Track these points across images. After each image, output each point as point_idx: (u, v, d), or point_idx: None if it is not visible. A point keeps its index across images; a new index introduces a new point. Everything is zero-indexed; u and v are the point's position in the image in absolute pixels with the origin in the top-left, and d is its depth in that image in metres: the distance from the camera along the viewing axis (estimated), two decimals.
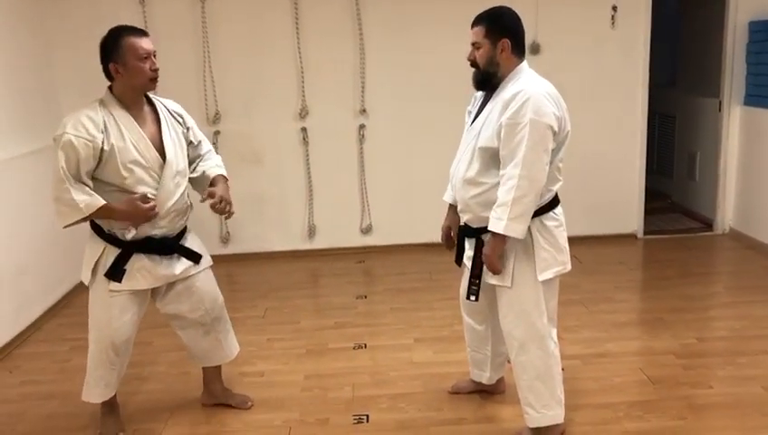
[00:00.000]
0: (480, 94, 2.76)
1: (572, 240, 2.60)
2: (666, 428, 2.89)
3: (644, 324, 4.01)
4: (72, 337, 4.09)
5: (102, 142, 2.61)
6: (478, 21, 2.59)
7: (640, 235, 5.62)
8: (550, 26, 5.15)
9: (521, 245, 2.58)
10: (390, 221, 5.49)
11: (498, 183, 2.52)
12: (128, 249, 2.75)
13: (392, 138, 5.36)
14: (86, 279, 2.81)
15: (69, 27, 5.05)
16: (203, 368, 3.21)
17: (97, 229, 2.78)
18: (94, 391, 2.94)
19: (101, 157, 2.62)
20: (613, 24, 5.28)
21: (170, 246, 2.85)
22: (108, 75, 2.72)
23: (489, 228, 2.52)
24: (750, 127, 5.35)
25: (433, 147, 5.36)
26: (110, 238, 2.76)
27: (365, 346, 3.78)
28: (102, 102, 2.73)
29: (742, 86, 5.40)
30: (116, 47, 2.65)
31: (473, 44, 2.59)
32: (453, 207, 2.89)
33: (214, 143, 5.27)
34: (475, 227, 2.68)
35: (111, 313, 2.80)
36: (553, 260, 2.61)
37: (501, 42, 2.54)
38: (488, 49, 2.56)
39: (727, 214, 5.62)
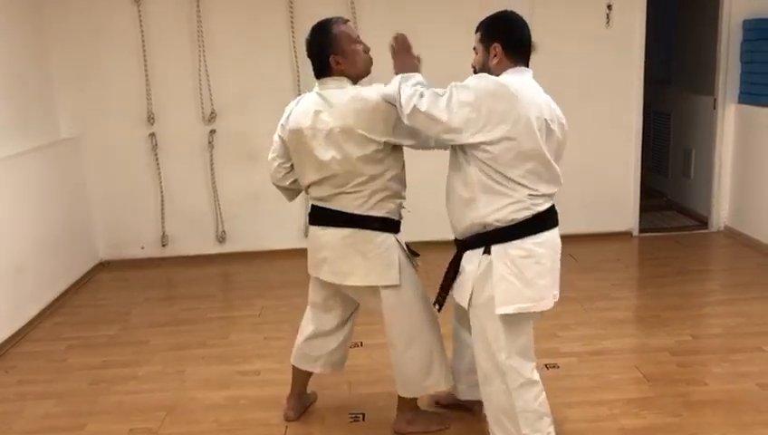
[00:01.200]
0: None
1: (569, 238, 2.58)
2: (661, 425, 2.90)
3: (640, 322, 4.03)
4: (69, 336, 4.09)
5: None
6: (478, 27, 2.55)
7: (636, 232, 5.63)
8: (545, 25, 5.14)
9: (481, 270, 2.43)
10: None
11: (464, 197, 2.44)
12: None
13: None
14: (396, 279, 2.68)
15: (65, 27, 5.04)
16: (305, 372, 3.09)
17: (387, 227, 2.68)
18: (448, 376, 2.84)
19: None
20: (608, 22, 5.29)
21: None
22: (324, 71, 2.64)
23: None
24: (744, 124, 5.37)
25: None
26: (395, 226, 2.71)
27: (361, 344, 3.78)
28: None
29: (736, 84, 5.42)
30: (330, 38, 2.60)
31: (474, 49, 2.57)
32: None
33: (209, 142, 5.28)
34: (458, 238, 2.59)
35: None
36: (517, 294, 2.38)
37: (493, 46, 2.47)
38: (482, 54, 2.51)
39: (722, 211, 5.64)
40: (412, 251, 2.80)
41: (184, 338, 4.01)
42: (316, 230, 2.75)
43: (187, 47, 5.14)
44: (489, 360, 2.48)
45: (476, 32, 2.55)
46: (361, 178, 2.58)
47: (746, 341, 3.66)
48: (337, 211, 2.66)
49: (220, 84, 5.20)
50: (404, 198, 2.74)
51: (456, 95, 2.33)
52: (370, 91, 2.56)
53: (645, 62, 5.37)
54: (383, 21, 5.17)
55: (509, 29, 2.51)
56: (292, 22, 5.11)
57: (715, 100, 5.52)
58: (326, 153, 2.57)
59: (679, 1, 6.30)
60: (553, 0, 5.15)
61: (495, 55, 2.47)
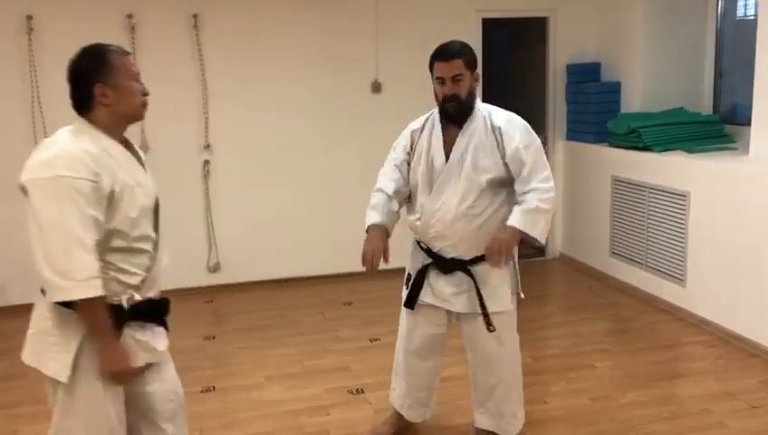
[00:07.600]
0: (418, 129, 2.79)
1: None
2: None
3: None
4: None
5: (110, 184, 2.05)
6: (457, 54, 2.60)
7: None
8: (390, 66, 5.35)
9: (512, 270, 2.79)
10: (239, 258, 5.38)
11: (494, 210, 2.67)
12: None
13: (238, 173, 5.30)
14: None
15: (56, 56, 4.60)
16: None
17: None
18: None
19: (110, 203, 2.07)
20: None
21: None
22: (83, 104, 2.11)
23: (522, 229, 2.57)
24: (572, 159, 5.86)
25: (281, 182, 5.37)
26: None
27: (213, 389, 3.66)
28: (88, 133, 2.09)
29: (563, 123, 5.91)
30: (104, 66, 2.08)
31: (454, 77, 2.59)
32: (385, 231, 2.72)
33: None
34: (468, 259, 2.69)
35: None
36: None
37: (475, 72, 2.67)
38: (468, 80, 2.63)
39: (557, 239, 6.08)
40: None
41: (14, 395, 3.67)
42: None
43: (19, 80, 4.81)
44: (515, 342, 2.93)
45: (455, 59, 2.59)
46: None
47: (580, 359, 3.94)
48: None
49: (53, 122, 4.91)
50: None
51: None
52: None
53: (483, 100, 5.69)
54: (227, 53, 5.16)
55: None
56: (133, 56, 4.94)
57: (545, 137, 5.98)
58: None
59: (513, 46, 6.80)
60: (397, 42, 5.34)
61: (477, 80, 2.69)
